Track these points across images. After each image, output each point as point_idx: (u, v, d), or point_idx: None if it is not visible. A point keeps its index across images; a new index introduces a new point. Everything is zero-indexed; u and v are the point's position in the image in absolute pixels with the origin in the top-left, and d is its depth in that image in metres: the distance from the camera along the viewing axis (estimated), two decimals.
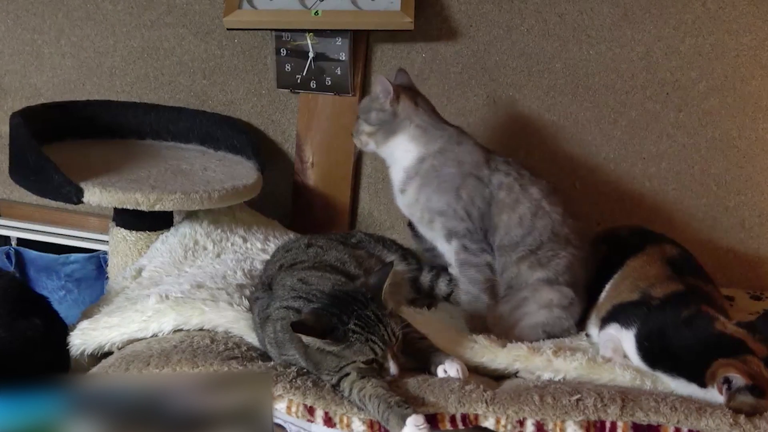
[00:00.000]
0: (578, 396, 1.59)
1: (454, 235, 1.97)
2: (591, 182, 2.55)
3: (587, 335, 1.96)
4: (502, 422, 1.56)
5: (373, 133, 2.04)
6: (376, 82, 2.04)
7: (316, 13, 2.40)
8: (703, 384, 1.62)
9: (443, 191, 1.98)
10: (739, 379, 1.56)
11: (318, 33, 2.43)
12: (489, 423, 1.57)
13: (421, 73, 2.54)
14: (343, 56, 2.45)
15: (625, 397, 1.59)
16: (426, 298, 2.06)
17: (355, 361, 1.57)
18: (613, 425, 1.56)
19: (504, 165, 2.01)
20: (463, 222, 1.96)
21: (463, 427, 1.57)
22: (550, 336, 1.93)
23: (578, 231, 2.01)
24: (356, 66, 2.50)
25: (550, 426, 1.56)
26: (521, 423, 1.57)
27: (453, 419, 1.57)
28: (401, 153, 2.03)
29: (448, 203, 1.97)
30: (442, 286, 2.07)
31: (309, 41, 2.43)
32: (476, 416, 1.57)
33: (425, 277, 2.07)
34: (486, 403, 1.57)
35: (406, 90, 2.06)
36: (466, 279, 1.96)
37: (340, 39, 2.44)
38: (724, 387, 1.58)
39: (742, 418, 1.54)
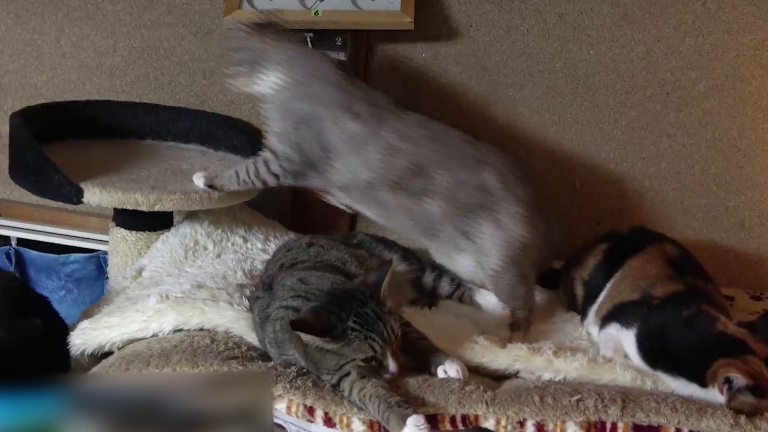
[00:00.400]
0: (579, 397, 1.59)
1: (272, 151, 2.05)
2: (591, 182, 2.55)
3: (588, 333, 1.96)
4: (503, 423, 1.56)
5: (240, 73, 2.09)
6: (235, 25, 2.11)
7: (316, 13, 2.40)
8: (703, 384, 1.62)
9: (285, 119, 2.04)
10: (740, 379, 1.56)
11: (318, 33, 2.43)
12: (489, 424, 1.57)
13: (421, 73, 2.54)
14: (343, 56, 2.45)
15: (626, 397, 1.59)
16: (427, 297, 2.06)
17: (354, 359, 1.57)
18: (614, 426, 1.55)
19: (365, 107, 2.02)
20: (291, 150, 2.02)
21: (463, 428, 1.57)
22: (513, 258, 1.94)
23: (456, 151, 2.02)
24: (356, 66, 2.50)
25: (551, 427, 1.56)
26: (521, 424, 1.56)
27: (453, 420, 1.57)
28: (264, 87, 2.08)
29: (286, 131, 2.04)
30: (444, 286, 2.07)
31: (309, 41, 2.43)
32: (476, 417, 1.57)
33: (428, 278, 2.07)
34: (486, 403, 1.57)
35: (268, 27, 2.10)
36: (245, 167, 2.09)
37: (340, 39, 2.44)
38: (725, 387, 1.57)
39: (742, 418, 1.53)
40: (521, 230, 1.96)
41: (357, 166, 2.00)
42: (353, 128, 2.00)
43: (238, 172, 2.11)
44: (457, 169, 1.99)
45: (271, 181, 2.08)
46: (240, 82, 2.10)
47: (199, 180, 2.17)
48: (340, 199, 2.11)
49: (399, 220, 2.04)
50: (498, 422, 1.56)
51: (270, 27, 2.09)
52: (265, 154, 2.07)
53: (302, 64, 2.08)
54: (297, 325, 1.56)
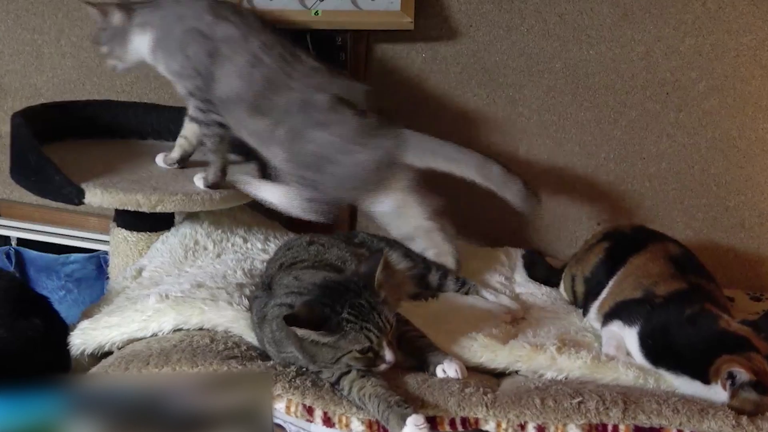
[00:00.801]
0: (580, 399, 1.58)
1: (191, 95, 2.17)
2: (591, 182, 2.55)
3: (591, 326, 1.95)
4: (503, 426, 1.55)
5: (110, 52, 2.21)
6: (92, 7, 2.19)
7: (316, 13, 2.40)
8: (706, 381, 1.61)
9: (173, 53, 2.15)
10: (743, 374, 1.55)
11: (318, 33, 2.43)
12: (490, 427, 1.56)
13: (421, 73, 2.54)
14: (342, 56, 2.45)
15: (627, 399, 1.58)
16: (431, 292, 2.06)
17: (351, 351, 1.55)
18: (615, 428, 1.55)
19: (233, 16, 2.14)
20: (193, 79, 2.14)
21: (462, 430, 1.56)
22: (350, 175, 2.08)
23: (308, 74, 2.12)
24: (356, 66, 2.50)
25: (552, 429, 1.55)
26: (522, 427, 1.55)
27: (453, 422, 1.56)
28: (142, 51, 2.18)
29: (181, 63, 2.13)
30: (450, 285, 2.07)
31: (309, 41, 2.43)
32: (476, 420, 1.56)
33: (433, 276, 2.07)
34: (486, 407, 1.56)
35: (124, 5, 2.19)
36: (205, 139, 2.21)
37: (340, 39, 2.44)
38: (728, 382, 1.57)
39: (744, 419, 1.53)
40: (349, 150, 2.07)
41: (231, 75, 2.09)
42: (227, 30, 2.11)
43: (208, 150, 2.20)
44: (294, 92, 2.09)
45: (217, 119, 2.16)
46: (116, 58, 2.21)
47: (199, 181, 2.18)
48: (225, 125, 2.18)
49: (252, 138, 2.17)
50: (498, 425, 1.55)
51: (127, 5, 2.18)
52: (191, 104, 2.18)
53: (162, 6, 2.18)
54: (291, 320, 1.54)
